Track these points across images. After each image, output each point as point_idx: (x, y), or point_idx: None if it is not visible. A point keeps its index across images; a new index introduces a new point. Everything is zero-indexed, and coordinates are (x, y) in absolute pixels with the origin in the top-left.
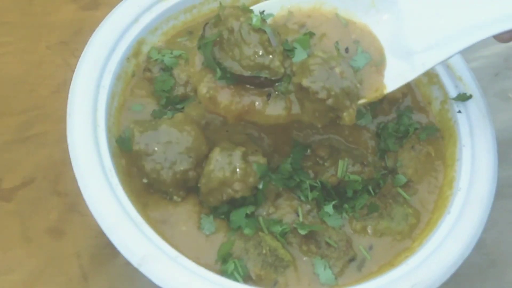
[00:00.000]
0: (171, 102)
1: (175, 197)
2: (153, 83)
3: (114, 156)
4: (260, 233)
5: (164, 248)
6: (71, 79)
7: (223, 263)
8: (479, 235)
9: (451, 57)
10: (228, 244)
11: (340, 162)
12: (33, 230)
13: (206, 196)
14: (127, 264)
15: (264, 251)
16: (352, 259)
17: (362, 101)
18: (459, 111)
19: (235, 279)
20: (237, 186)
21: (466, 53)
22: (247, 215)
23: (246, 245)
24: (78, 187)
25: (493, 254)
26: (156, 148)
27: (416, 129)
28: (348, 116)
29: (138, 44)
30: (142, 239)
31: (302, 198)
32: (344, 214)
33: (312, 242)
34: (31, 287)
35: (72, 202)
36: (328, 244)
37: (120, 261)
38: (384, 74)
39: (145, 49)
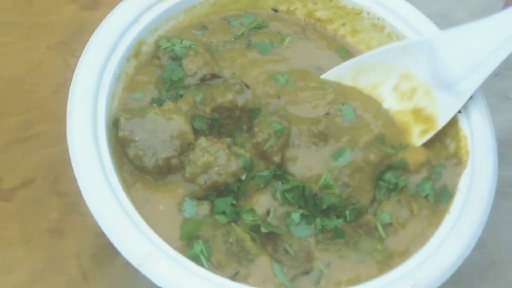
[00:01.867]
0: (175, 87)
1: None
2: (162, 70)
3: (114, 156)
4: (232, 223)
5: (164, 248)
6: (71, 79)
7: (189, 243)
8: (479, 235)
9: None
10: (195, 224)
11: (324, 174)
12: (33, 230)
13: (192, 183)
14: (127, 264)
15: (230, 240)
16: (306, 273)
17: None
18: (459, 111)
19: (200, 261)
20: (221, 169)
21: None
22: (232, 205)
23: (215, 232)
24: (78, 187)
25: (493, 254)
26: (139, 136)
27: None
28: None
29: (138, 44)
30: (142, 239)
31: (278, 194)
32: (312, 227)
33: (270, 243)
34: (31, 287)
35: (72, 202)
36: (286, 251)
37: (120, 261)
38: None
39: (145, 49)
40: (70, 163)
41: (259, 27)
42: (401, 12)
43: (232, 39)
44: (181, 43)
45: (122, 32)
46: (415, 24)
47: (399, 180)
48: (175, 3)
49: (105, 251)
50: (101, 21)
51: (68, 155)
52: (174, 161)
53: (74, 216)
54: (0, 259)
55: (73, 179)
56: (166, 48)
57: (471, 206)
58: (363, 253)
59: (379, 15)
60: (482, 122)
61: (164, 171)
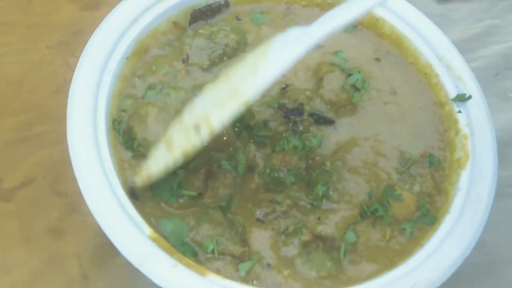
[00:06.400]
0: None
1: None
2: None
3: (114, 156)
4: (228, 215)
5: (164, 248)
6: (71, 79)
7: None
8: (479, 235)
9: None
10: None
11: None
12: (33, 230)
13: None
14: (127, 264)
15: (240, 230)
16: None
17: None
18: (459, 111)
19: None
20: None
21: (466, 53)
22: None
23: (222, 230)
24: (78, 187)
25: (493, 254)
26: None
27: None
28: None
29: (138, 44)
30: (142, 239)
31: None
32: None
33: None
34: (31, 287)
35: (72, 202)
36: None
37: (120, 261)
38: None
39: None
40: (70, 163)
41: None
42: (401, 12)
43: None
44: None
45: (122, 32)
46: (414, 24)
47: (380, 209)
48: (175, 3)
49: (105, 251)
50: (101, 21)
51: (68, 155)
52: None
53: (74, 216)
54: (0, 259)
55: (73, 179)
56: None
57: (471, 206)
58: (311, 265)
59: (379, 15)
60: (482, 122)
61: None
